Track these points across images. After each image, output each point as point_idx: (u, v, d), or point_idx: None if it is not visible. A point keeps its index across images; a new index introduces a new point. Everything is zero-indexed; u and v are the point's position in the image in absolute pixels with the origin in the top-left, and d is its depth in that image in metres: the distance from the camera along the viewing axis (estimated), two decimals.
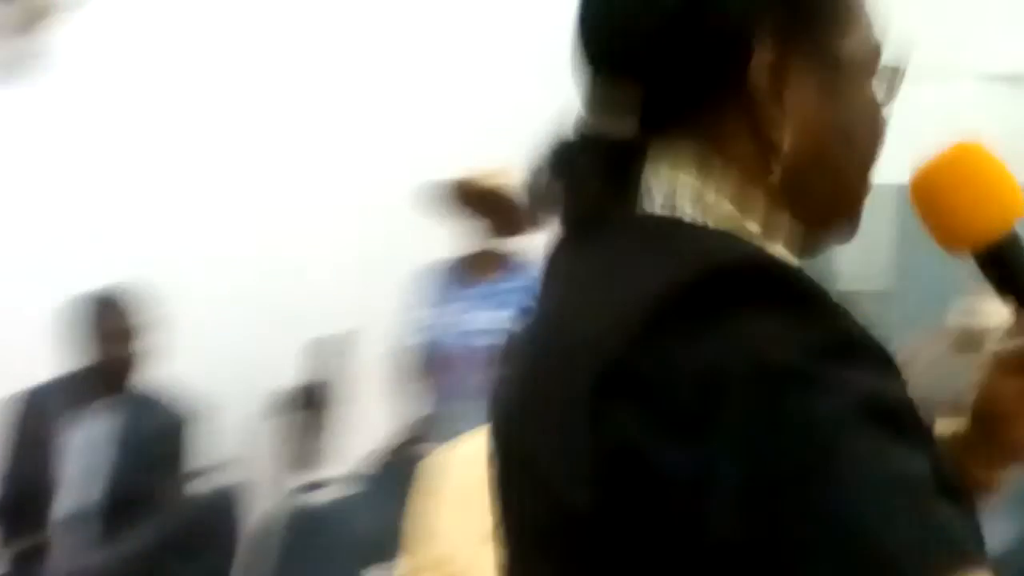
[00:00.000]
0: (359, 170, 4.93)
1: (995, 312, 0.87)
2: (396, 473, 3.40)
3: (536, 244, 3.50)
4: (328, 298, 4.66)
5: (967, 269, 0.85)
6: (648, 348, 0.66)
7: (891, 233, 6.43)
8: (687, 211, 0.76)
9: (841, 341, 0.66)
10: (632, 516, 0.65)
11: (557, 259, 0.83)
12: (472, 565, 2.43)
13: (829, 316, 0.68)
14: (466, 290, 3.48)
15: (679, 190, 0.76)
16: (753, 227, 0.76)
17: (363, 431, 3.74)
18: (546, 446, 0.71)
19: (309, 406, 3.97)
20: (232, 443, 3.74)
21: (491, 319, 3.39)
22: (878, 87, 0.82)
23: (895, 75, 0.83)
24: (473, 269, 3.50)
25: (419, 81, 5.15)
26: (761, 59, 0.75)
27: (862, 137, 0.82)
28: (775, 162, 0.76)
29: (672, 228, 0.75)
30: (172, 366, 3.47)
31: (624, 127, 0.78)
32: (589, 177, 0.78)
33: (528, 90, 5.73)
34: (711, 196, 0.76)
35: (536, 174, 0.81)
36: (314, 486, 3.26)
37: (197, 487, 3.47)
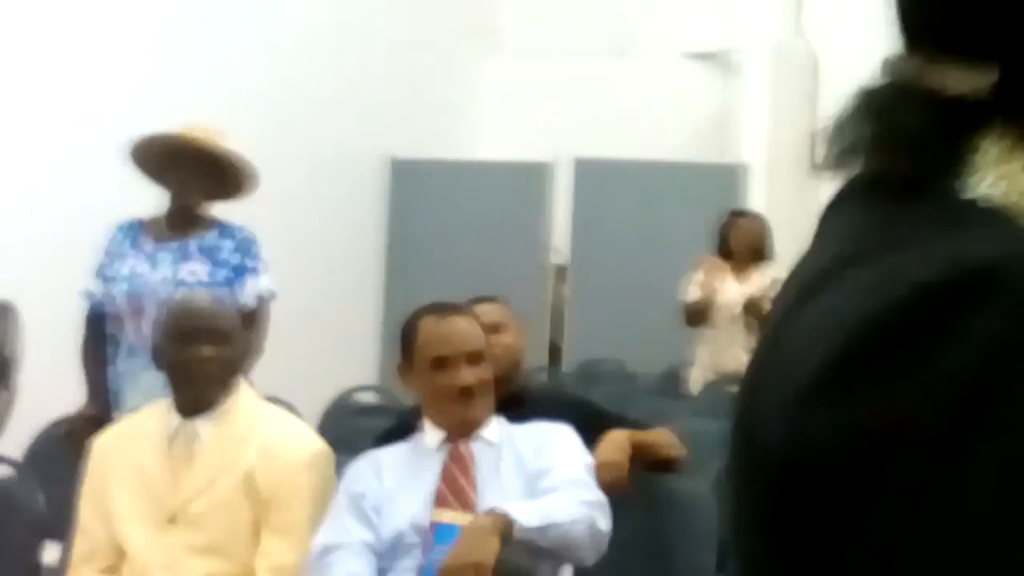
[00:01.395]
0: (50, 125, 4.75)
1: None
2: (71, 449, 3.33)
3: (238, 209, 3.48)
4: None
5: None
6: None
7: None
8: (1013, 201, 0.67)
9: None
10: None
11: (838, 216, 0.74)
12: (142, 547, 2.41)
13: None
14: (168, 244, 3.41)
15: (1013, 177, 0.68)
16: None
17: (37, 405, 3.58)
18: (769, 411, 0.65)
19: None
20: None
21: (206, 272, 3.36)
22: None
23: None
24: (177, 226, 3.43)
25: (132, 34, 5.01)
26: None
27: None
28: None
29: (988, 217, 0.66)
30: None
31: (977, 84, 0.68)
32: (923, 135, 0.68)
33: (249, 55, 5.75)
34: None
35: (842, 120, 0.72)
36: None
37: None
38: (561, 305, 7.17)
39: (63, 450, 3.34)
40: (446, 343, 2.42)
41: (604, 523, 2.30)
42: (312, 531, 2.35)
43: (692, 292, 5.49)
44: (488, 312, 2.78)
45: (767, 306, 5.20)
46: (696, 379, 5.50)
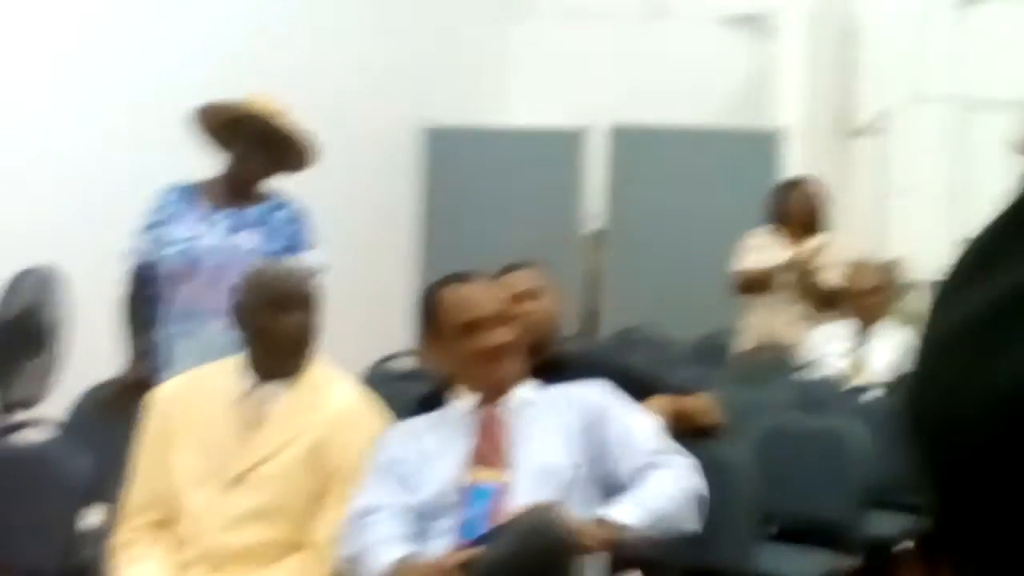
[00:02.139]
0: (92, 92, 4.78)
1: None
2: (113, 413, 3.35)
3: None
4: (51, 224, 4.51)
5: None
6: None
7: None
8: None
9: None
10: None
11: None
12: (202, 507, 2.44)
13: None
14: (221, 212, 3.44)
15: None
16: None
17: (82, 367, 3.62)
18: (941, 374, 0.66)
19: (16, 341, 3.83)
20: None
21: (259, 243, 3.40)
22: None
23: None
24: (233, 194, 3.46)
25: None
26: None
27: None
28: None
29: None
30: None
31: None
32: None
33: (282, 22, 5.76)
34: None
35: None
36: (25, 425, 3.13)
37: None
38: (599, 272, 7.16)
39: (105, 414, 3.40)
40: (473, 307, 2.44)
41: (702, 484, 2.32)
42: None
43: (747, 258, 5.42)
44: (523, 278, 2.79)
45: (815, 275, 5.17)
46: (744, 347, 5.47)
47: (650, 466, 2.31)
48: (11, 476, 2.94)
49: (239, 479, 2.42)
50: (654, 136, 6.94)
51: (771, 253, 5.31)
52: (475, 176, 7.14)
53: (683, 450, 2.38)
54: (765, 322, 5.38)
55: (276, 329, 2.48)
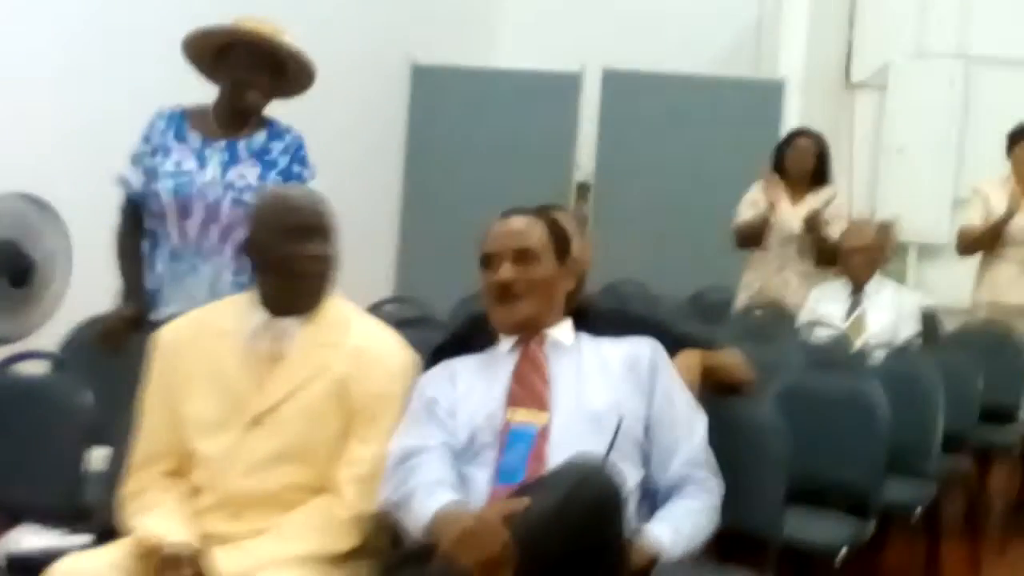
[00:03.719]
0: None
1: None
2: (107, 349, 3.31)
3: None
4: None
5: None
6: None
7: None
8: None
9: None
10: None
11: None
12: (219, 453, 2.37)
13: None
14: (218, 142, 3.36)
15: None
16: None
17: (79, 300, 3.56)
18: None
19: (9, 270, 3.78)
20: None
21: (256, 176, 3.33)
22: None
23: None
24: (227, 123, 3.38)
25: None
26: None
27: None
28: None
29: None
30: None
31: None
32: None
33: None
34: None
35: None
36: (23, 358, 3.08)
37: None
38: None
39: (98, 351, 3.34)
40: (493, 241, 2.44)
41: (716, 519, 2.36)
42: None
43: (746, 211, 5.42)
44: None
45: (825, 227, 5.17)
46: (742, 302, 5.48)
47: (690, 482, 2.33)
48: (8, 413, 2.88)
49: (258, 421, 2.34)
50: (648, 82, 6.90)
51: (773, 204, 5.32)
52: (462, 117, 7.08)
53: (713, 462, 2.39)
54: (764, 278, 5.40)
55: (294, 259, 2.38)
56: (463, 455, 2.29)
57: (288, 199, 2.47)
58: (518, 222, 2.47)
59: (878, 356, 4.37)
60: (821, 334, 4.71)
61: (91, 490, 2.73)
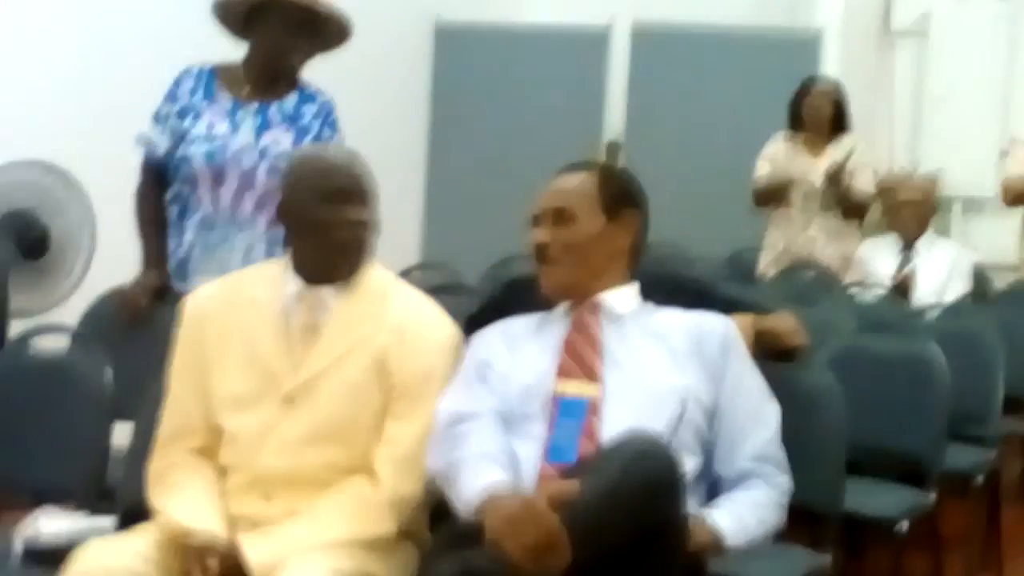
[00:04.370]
0: None
1: None
2: (129, 321, 3.21)
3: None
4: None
5: None
6: None
7: None
8: None
9: None
10: None
11: None
12: (251, 431, 2.23)
13: None
14: (250, 105, 3.25)
15: None
16: None
17: (107, 275, 3.47)
18: None
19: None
20: None
21: (290, 142, 3.21)
22: None
23: None
24: (259, 85, 3.26)
25: None
26: None
27: None
28: None
29: None
30: None
31: None
32: None
33: None
34: None
35: None
36: (40, 332, 2.99)
37: None
38: None
39: (120, 323, 3.24)
40: (539, 200, 2.32)
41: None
42: None
43: (762, 169, 5.29)
44: None
45: (849, 179, 5.02)
46: (766, 263, 5.35)
47: (755, 476, 2.18)
48: (27, 389, 2.79)
49: (293, 397, 2.22)
50: (679, 34, 6.73)
51: (789, 162, 5.17)
52: (486, 75, 6.94)
53: (782, 457, 2.24)
54: (788, 236, 5.26)
55: (332, 225, 2.25)
56: (509, 425, 2.17)
57: (325, 160, 2.34)
58: (565, 180, 2.34)
59: (930, 316, 4.24)
60: (868, 294, 4.57)
61: (114, 469, 2.64)
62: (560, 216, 2.28)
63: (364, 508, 2.16)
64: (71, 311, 3.58)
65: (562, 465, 2.04)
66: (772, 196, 5.25)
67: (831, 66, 6.44)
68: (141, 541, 2.15)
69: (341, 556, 2.07)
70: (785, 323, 2.67)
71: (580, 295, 2.30)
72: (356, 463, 2.21)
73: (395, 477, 2.19)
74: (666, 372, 2.19)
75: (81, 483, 2.63)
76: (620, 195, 2.37)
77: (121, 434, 2.65)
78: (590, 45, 6.85)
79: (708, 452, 2.20)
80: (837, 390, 2.60)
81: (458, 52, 7.00)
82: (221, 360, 2.29)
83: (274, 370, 2.25)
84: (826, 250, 5.12)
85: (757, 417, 2.23)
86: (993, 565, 3.79)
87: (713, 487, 2.21)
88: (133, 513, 2.33)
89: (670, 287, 2.50)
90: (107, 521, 2.46)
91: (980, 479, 3.47)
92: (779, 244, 5.30)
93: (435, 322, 2.34)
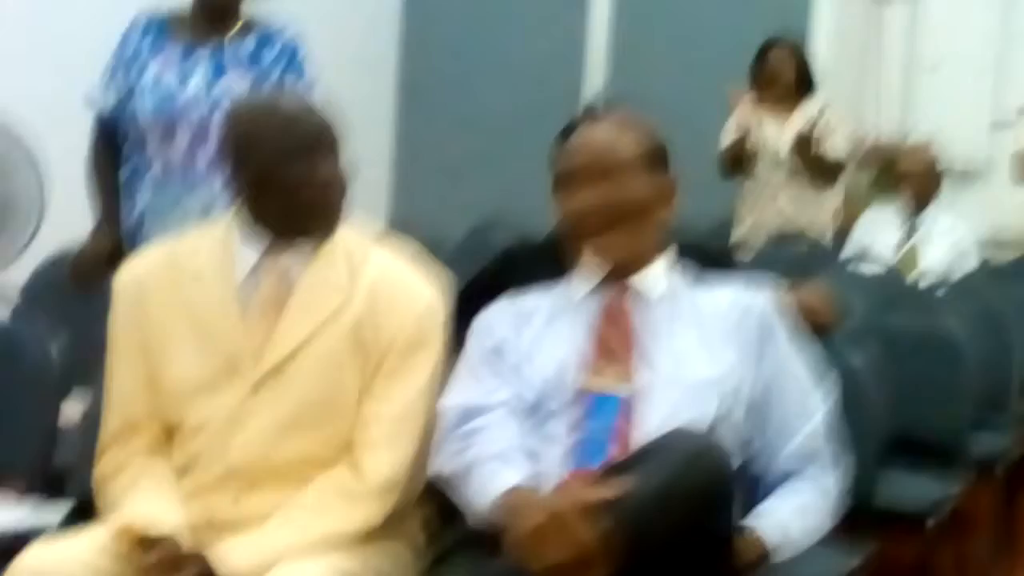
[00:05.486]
0: None
1: None
2: (78, 288, 3.02)
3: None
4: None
5: None
6: None
7: None
8: None
9: None
10: None
11: None
12: (196, 419, 1.97)
13: None
14: (202, 50, 3.01)
15: None
16: None
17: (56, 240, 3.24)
18: None
19: None
20: None
21: (247, 87, 2.96)
22: None
23: None
24: (208, 27, 3.02)
25: None
26: None
27: None
28: None
29: None
30: None
31: None
32: None
33: None
34: None
35: None
36: None
37: None
38: None
39: (69, 288, 3.04)
40: (568, 157, 1.99)
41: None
42: (426, 399, 1.99)
43: (727, 137, 5.06)
44: None
45: (819, 145, 4.80)
46: (740, 238, 5.11)
47: (801, 478, 1.95)
48: None
49: (264, 378, 1.96)
50: None
51: (756, 129, 4.95)
52: (459, 28, 6.74)
53: (832, 452, 2.00)
54: (756, 207, 5.04)
55: (303, 181, 1.95)
56: (528, 421, 1.91)
57: (280, 108, 2.02)
58: (604, 131, 2.02)
59: (938, 293, 4.07)
60: (868, 268, 4.39)
61: (66, 449, 2.39)
62: (608, 173, 1.97)
63: (346, 499, 1.94)
64: (23, 276, 3.34)
65: (591, 468, 1.79)
66: (735, 161, 5.00)
67: (824, 24, 6.27)
68: (88, 547, 1.89)
69: (331, 555, 1.86)
70: (817, 297, 2.47)
71: (625, 272, 2.01)
72: (337, 450, 1.97)
73: (377, 461, 1.96)
74: (705, 365, 1.92)
75: (31, 466, 2.37)
76: (663, 152, 2.10)
77: (74, 412, 2.41)
78: None
79: (747, 451, 1.96)
80: (880, 374, 2.40)
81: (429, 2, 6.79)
82: (169, 344, 2.01)
83: (234, 351, 1.98)
84: (798, 221, 4.92)
85: (803, 407, 1.98)
86: (1016, 551, 3.64)
87: (752, 488, 1.96)
88: (89, 499, 2.08)
89: (703, 259, 2.24)
90: (53, 514, 2.20)
91: (1000, 465, 3.31)
92: (747, 219, 5.08)
93: (415, 287, 2.06)
